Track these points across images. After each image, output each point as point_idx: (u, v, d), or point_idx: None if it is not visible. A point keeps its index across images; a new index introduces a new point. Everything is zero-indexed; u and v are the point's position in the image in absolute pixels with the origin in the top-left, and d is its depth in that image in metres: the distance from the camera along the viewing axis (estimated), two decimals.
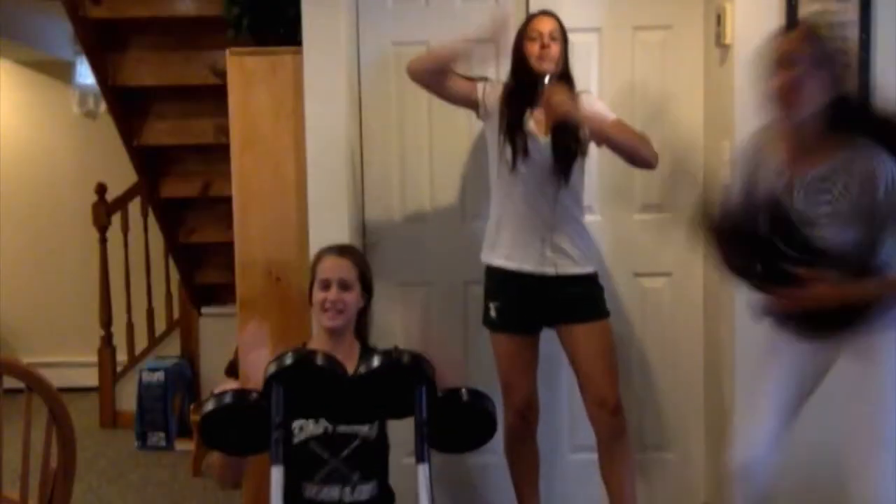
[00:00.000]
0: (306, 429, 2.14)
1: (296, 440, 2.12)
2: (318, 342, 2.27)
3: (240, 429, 1.84)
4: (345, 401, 1.88)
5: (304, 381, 1.81)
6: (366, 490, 2.16)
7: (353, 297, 2.25)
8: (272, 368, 1.78)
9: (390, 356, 1.88)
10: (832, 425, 2.12)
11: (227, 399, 1.83)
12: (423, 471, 1.70)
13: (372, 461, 2.18)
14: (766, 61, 1.99)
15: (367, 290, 2.32)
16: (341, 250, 2.34)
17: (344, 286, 2.24)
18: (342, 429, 2.13)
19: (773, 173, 2.07)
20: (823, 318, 2.05)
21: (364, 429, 2.14)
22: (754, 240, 2.09)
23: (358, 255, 2.38)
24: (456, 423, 1.85)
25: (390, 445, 2.27)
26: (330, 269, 2.26)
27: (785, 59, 1.94)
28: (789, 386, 2.19)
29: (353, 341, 2.31)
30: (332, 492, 2.13)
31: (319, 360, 1.84)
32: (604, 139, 2.56)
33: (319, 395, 1.87)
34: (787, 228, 2.02)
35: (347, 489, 2.13)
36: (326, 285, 2.24)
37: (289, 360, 1.81)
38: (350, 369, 2.15)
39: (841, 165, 1.96)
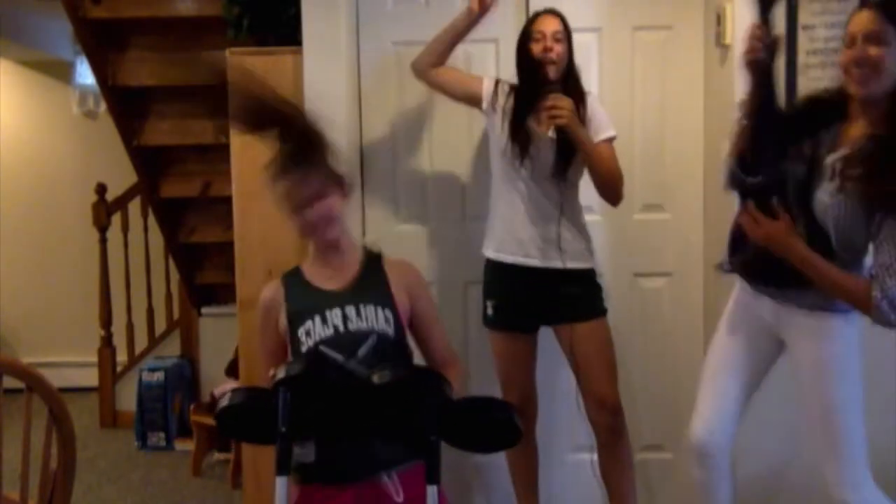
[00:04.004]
0: (313, 333, 1.97)
1: (304, 348, 1.97)
2: (315, 263, 2.10)
3: (257, 422, 1.81)
4: (358, 410, 1.84)
5: (313, 391, 1.78)
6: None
7: (335, 201, 2.01)
8: (280, 374, 1.75)
9: (404, 370, 1.85)
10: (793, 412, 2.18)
11: (240, 397, 1.82)
12: (431, 493, 1.69)
13: (393, 359, 1.97)
14: (848, 34, 1.98)
15: (341, 185, 2.04)
16: (296, 162, 1.98)
17: (320, 197, 1.99)
18: (353, 326, 1.97)
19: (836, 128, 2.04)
20: (774, 266, 2.03)
21: (380, 323, 1.98)
22: (777, 151, 2.06)
23: (319, 154, 2.01)
24: (476, 431, 1.81)
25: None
26: (296, 192, 1.98)
27: (870, 34, 1.93)
28: (747, 363, 2.25)
29: (352, 246, 2.12)
30: None
31: (331, 373, 1.82)
32: (588, 162, 2.58)
33: (330, 404, 1.83)
34: (808, 174, 2.01)
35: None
36: (302, 206, 1.99)
37: (298, 369, 1.78)
38: (357, 269, 2.06)
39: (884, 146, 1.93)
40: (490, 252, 2.75)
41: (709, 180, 2.99)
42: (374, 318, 1.99)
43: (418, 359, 2.15)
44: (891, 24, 1.93)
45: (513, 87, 2.69)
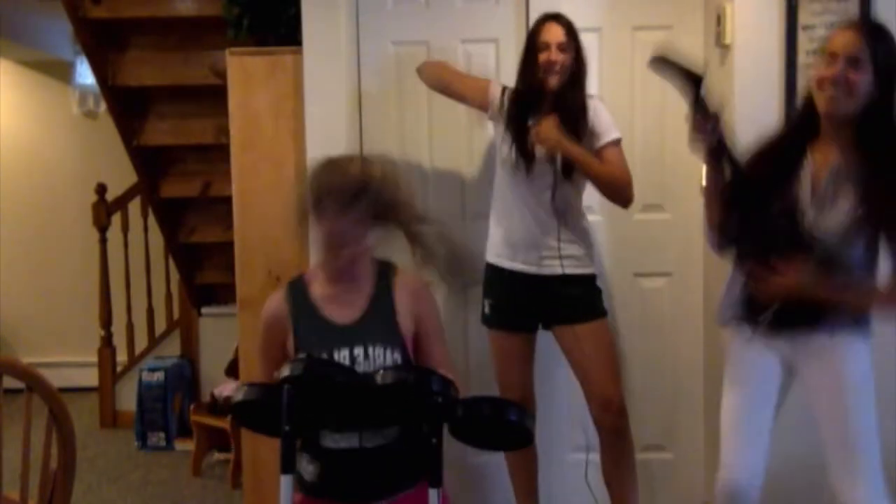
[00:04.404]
0: None
1: None
2: (323, 279, 2.06)
3: (270, 418, 1.82)
4: (360, 408, 1.85)
5: (316, 391, 1.78)
6: (390, 434, 1.96)
7: (367, 243, 1.98)
8: (284, 373, 1.75)
9: (407, 371, 1.86)
10: (806, 436, 2.16)
11: (254, 393, 1.82)
12: (433, 496, 1.69)
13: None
14: (827, 51, 1.99)
15: (381, 217, 1.98)
16: (343, 203, 1.91)
17: (355, 240, 1.95)
18: (362, 368, 1.94)
19: (805, 160, 2.05)
20: (792, 313, 2.04)
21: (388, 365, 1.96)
22: (760, 209, 2.06)
23: (368, 199, 1.93)
24: (487, 432, 1.82)
25: None
26: (330, 233, 1.95)
27: (851, 57, 1.94)
28: (768, 401, 2.19)
29: (368, 265, 2.06)
30: (351, 439, 1.95)
31: (335, 374, 1.82)
32: (586, 175, 2.58)
33: (332, 404, 1.84)
34: (795, 218, 2.02)
35: (367, 433, 1.93)
36: (335, 247, 1.96)
37: (301, 369, 1.78)
38: (367, 293, 2.03)
39: (868, 168, 1.95)
40: (490, 257, 2.75)
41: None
42: (382, 363, 1.95)
43: None
44: (872, 47, 1.93)
45: (512, 92, 2.67)
